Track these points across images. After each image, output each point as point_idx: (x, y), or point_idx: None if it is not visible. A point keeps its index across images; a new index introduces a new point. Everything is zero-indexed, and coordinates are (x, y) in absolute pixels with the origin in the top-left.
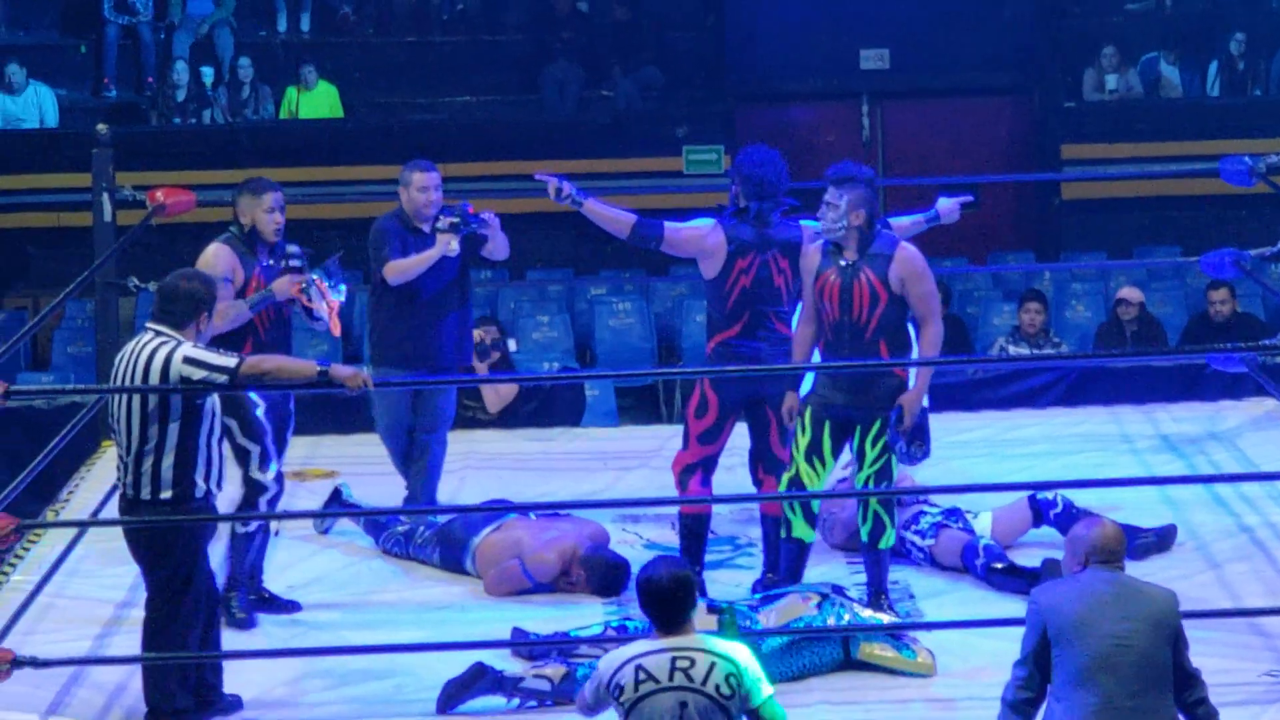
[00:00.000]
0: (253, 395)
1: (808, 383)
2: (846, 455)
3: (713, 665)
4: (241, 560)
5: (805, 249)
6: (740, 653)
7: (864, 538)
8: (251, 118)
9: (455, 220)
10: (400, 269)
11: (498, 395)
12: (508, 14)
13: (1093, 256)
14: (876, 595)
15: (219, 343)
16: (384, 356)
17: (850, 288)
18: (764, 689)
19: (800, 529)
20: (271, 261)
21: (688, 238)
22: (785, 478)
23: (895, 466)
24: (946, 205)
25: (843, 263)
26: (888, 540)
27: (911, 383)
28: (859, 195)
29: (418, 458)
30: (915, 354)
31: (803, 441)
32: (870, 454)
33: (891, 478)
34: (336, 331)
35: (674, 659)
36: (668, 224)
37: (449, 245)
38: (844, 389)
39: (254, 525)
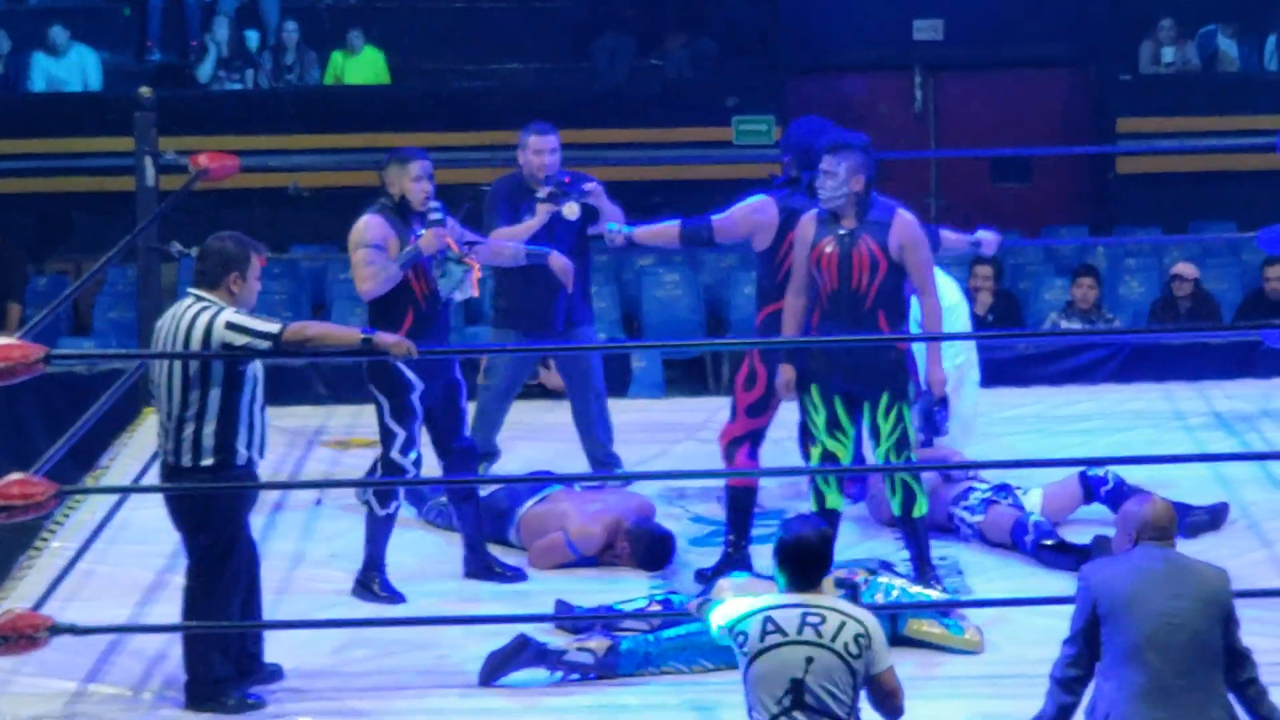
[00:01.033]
0: (409, 376)
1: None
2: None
3: (843, 624)
4: (380, 543)
5: (799, 220)
6: (869, 617)
7: (896, 510)
8: (296, 83)
9: (554, 190)
10: (503, 236)
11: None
12: None
13: (1147, 231)
14: (922, 567)
15: (381, 312)
16: (503, 319)
17: (849, 256)
18: (888, 657)
19: (834, 500)
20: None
21: (738, 220)
22: (814, 453)
23: (912, 432)
24: (988, 238)
25: (840, 231)
26: (921, 508)
27: (920, 359)
28: (856, 161)
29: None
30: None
31: (819, 419)
32: (885, 427)
33: (910, 445)
34: (475, 292)
35: (805, 614)
36: (714, 217)
37: (565, 210)
38: (844, 364)
39: (392, 507)
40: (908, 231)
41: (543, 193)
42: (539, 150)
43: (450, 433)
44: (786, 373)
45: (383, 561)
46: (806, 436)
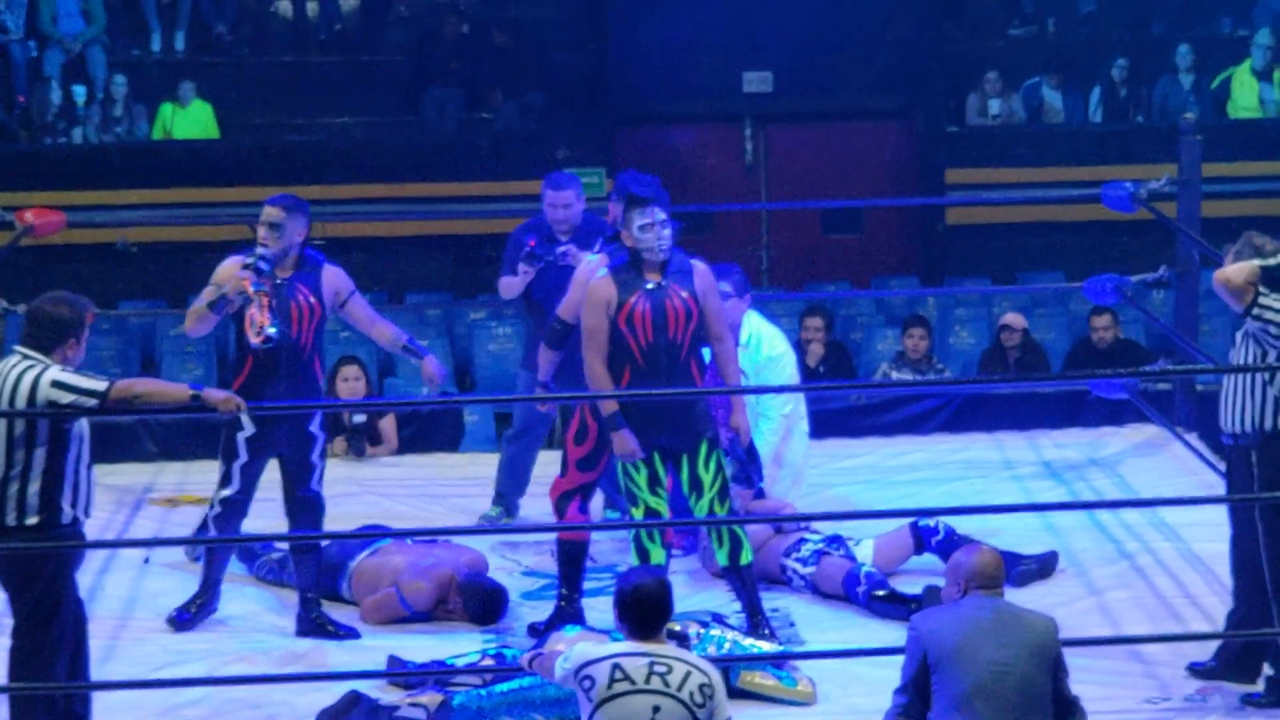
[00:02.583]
0: (242, 419)
1: None
2: None
3: (688, 674)
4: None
5: (589, 281)
6: (713, 668)
7: (724, 561)
8: (124, 137)
9: (529, 252)
10: (502, 287)
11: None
12: (387, 35)
13: (976, 281)
14: (755, 615)
15: (235, 358)
16: (525, 361)
17: (663, 308)
18: (728, 708)
19: (658, 555)
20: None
21: (576, 297)
22: (637, 513)
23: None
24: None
25: (648, 285)
26: (747, 555)
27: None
28: (667, 205)
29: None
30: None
31: (640, 478)
32: (707, 478)
33: (729, 494)
34: (254, 338)
35: (652, 663)
36: (559, 312)
37: (525, 272)
38: (663, 420)
39: (216, 510)
40: (709, 279)
41: (524, 254)
42: (553, 204)
43: (294, 482)
44: (627, 442)
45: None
46: (625, 496)
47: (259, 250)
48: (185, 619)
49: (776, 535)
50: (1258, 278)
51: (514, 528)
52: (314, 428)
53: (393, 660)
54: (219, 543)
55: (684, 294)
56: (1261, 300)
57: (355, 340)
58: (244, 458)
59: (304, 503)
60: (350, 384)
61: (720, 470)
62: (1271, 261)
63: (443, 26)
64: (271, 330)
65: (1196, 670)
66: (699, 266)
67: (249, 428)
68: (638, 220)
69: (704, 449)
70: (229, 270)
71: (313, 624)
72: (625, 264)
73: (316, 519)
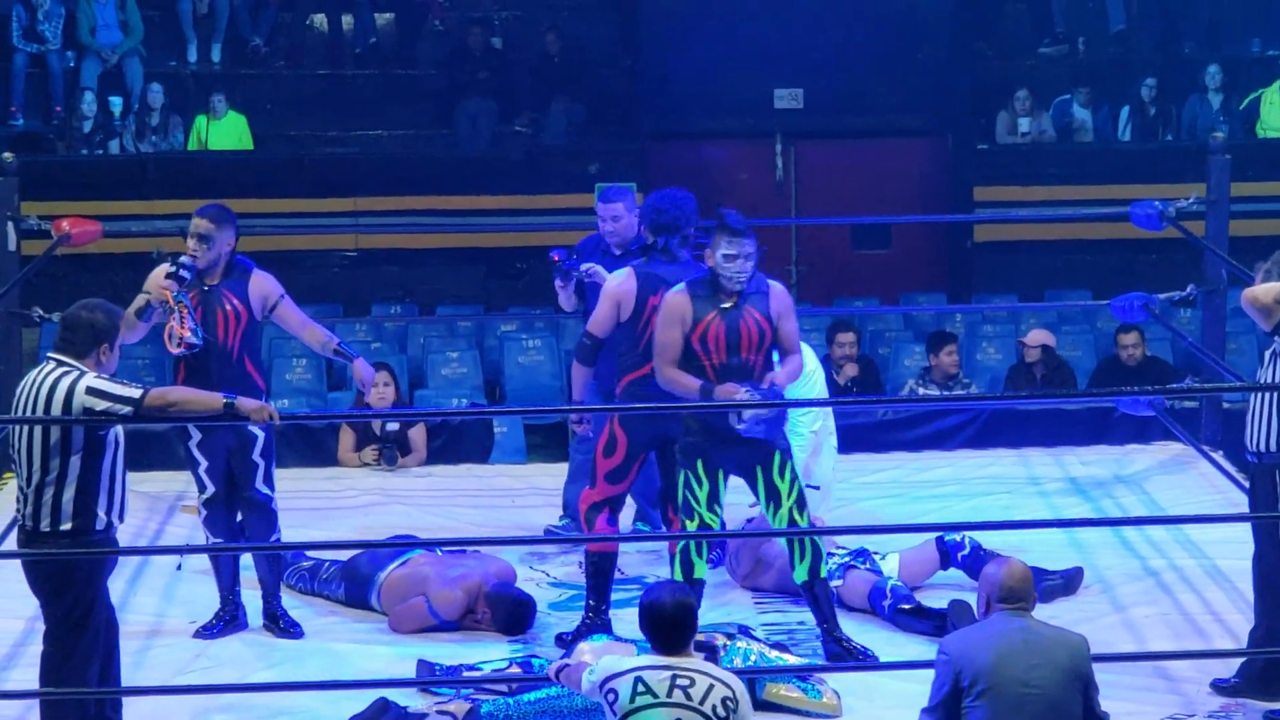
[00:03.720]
0: (188, 426)
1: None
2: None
3: (711, 687)
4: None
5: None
6: (736, 681)
7: (804, 576)
8: (160, 146)
9: (557, 268)
10: (560, 301)
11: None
12: (421, 48)
13: (1004, 299)
14: (832, 632)
15: (173, 364)
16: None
17: (737, 329)
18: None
19: (701, 570)
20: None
21: (606, 311)
22: (691, 526)
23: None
24: None
25: (724, 305)
26: (825, 569)
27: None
28: (754, 242)
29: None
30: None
31: (702, 493)
32: (784, 486)
33: (806, 505)
34: (171, 347)
35: (674, 676)
36: (588, 328)
37: (560, 286)
38: (735, 437)
39: (202, 514)
40: (785, 300)
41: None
42: (603, 217)
43: (239, 483)
44: (732, 391)
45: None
46: (681, 507)
47: (182, 259)
48: (210, 636)
49: None
50: None
51: (543, 539)
52: (252, 427)
53: (422, 664)
54: (248, 550)
55: (758, 315)
56: None
57: (386, 350)
58: (204, 462)
59: (249, 503)
60: (379, 390)
61: (796, 479)
62: None
63: (476, 41)
64: (193, 339)
65: (1220, 687)
66: (776, 287)
67: (195, 434)
68: (724, 248)
69: (777, 458)
70: (157, 277)
71: (271, 619)
72: (703, 281)
73: (267, 520)
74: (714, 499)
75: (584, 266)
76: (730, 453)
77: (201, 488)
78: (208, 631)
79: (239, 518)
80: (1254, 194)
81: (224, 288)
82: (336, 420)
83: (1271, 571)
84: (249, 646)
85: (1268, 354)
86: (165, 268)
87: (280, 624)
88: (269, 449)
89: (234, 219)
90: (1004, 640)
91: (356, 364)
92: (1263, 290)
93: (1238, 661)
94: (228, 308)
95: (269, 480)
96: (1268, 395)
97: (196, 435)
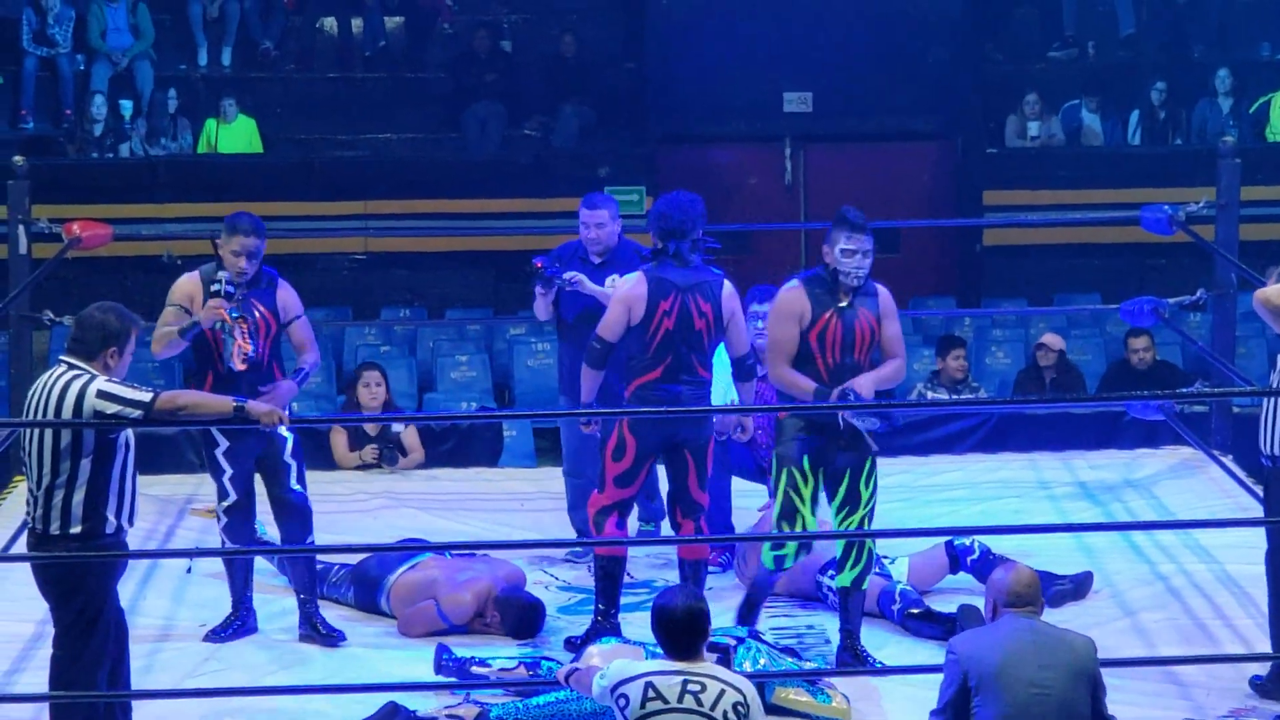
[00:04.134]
0: (214, 433)
1: None
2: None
3: (722, 692)
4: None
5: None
6: (748, 685)
7: (847, 582)
8: (171, 149)
9: (538, 275)
10: (535, 309)
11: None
12: (430, 52)
13: (1013, 303)
14: (851, 640)
15: (191, 373)
16: (563, 387)
17: (852, 329)
18: None
19: (792, 549)
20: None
21: (617, 316)
22: (788, 527)
23: None
24: None
25: (841, 304)
26: (868, 581)
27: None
28: (872, 239)
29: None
30: None
31: (806, 491)
32: (865, 493)
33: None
34: (238, 364)
35: (685, 682)
36: (598, 333)
37: (541, 293)
38: (838, 435)
39: (221, 522)
40: (890, 303)
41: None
42: (586, 223)
43: (272, 483)
44: (862, 387)
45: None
46: (781, 509)
47: (225, 276)
48: (221, 639)
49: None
50: None
51: (553, 542)
52: (281, 429)
53: (441, 648)
54: (258, 553)
55: (870, 315)
56: None
57: (395, 353)
58: (229, 470)
59: (284, 503)
60: (371, 389)
61: (876, 490)
62: None
63: (485, 44)
64: (253, 353)
65: (1256, 684)
66: (883, 290)
67: (223, 442)
68: (842, 242)
69: (868, 465)
70: (187, 289)
71: (310, 626)
72: (818, 278)
73: (303, 519)
74: (815, 501)
75: (567, 275)
76: (837, 452)
77: (223, 495)
78: (218, 635)
79: (256, 524)
80: (1264, 198)
81: (253, 297)
82: (346, 423)
83: None
84: (259, 650)
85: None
86: (193, 279)
87: (320, 630)
88: (299, 449)
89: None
90: (1013, 641)
91: (281, 386)
92: (1275, 291)
93: (1249, 667)
94: (257, 316)
95: (302, 479)
96: None
97: (224, 442)
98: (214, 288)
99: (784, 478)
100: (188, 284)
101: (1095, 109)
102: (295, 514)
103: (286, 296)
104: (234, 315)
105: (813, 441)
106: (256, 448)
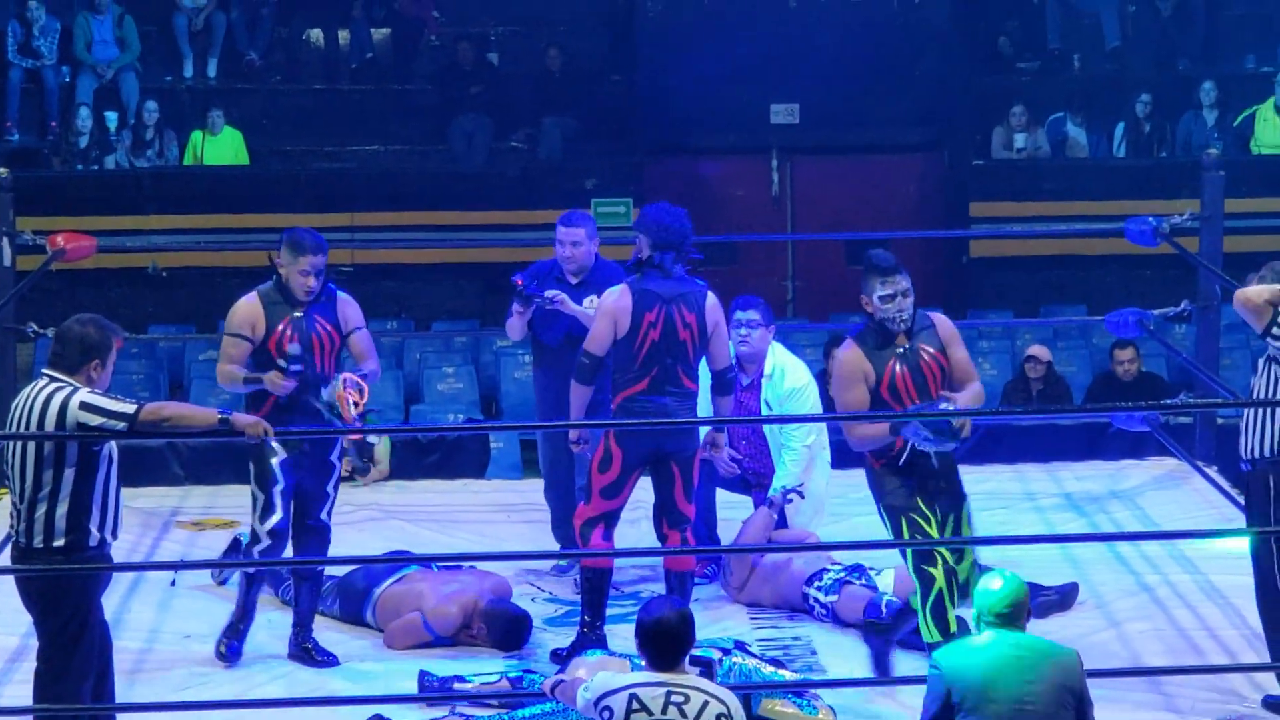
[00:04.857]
0: (272, 442)
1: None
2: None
3: (706, 704)
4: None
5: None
6: (731, 697)
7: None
8: (155, 162)
9: (519, 293)
10: (508, 328)
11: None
12: (417, 64)
13: (1000, 314)
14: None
15: (249, 395)
16: (540, 413)
17: (920, 370)
18: None
19: (953, 623)
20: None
21: (603, 329)
22: (938, 573)
23: None
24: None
25: (899, 349)
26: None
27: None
28: (908, 277)
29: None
30: None
31: (933, 531)
32: (966, 531)
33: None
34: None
35: (669, 693)
36: (585, 347)
37: (518, 312)
38: (933, 470)
39: (254, 569)
40: (947, 328)
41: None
42: (562, 241)
43: (306, 510)
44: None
45: (238, 621)
46: (915, 566)
47: (292, 352)
48: (236, 650)
49: (798, 564)
50: (1279, 298)
51: (539, 554)
52: (333, 456)
53: (424, 674)
54: (243, 566)
55: (933, 350)
56: None
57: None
58: (282, 482)
59: (313, 531)
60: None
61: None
62: None
63: (472, 56)
64: (365, 403)
65: (1269, 703)
66: (939, 318)
67: (281, 452)
68: (879, 290)
69: (967, 505)
70: (247, 315)
71: (299, 649)
72: (867, 331)
73: (324, 549)
74: (943, 531)
75: (548, 294)
76: (938, 491)
77: (269, 510)
78: (232, 650)
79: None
80: (1248, 210)
81: (314, 312)
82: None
83: (1267, 576)
84: (245, 664)
85: (1261, 361)
86: (247, 306)
87: (314, 655)
88: (339, 484)
89: None
90: (997, 656)
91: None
92: (1255, 291)
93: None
94: (320, 332)
95: (331, 512)
96: (1261, 394)
97: (282, 453)
98: (289, 366)
99: (906, 527)
100: (247, 309)
101: (1081, 121)
102: (320, 543)
103: (347, 309)
104: (344, 388)
105: (912, 483)
106: (308, 469)
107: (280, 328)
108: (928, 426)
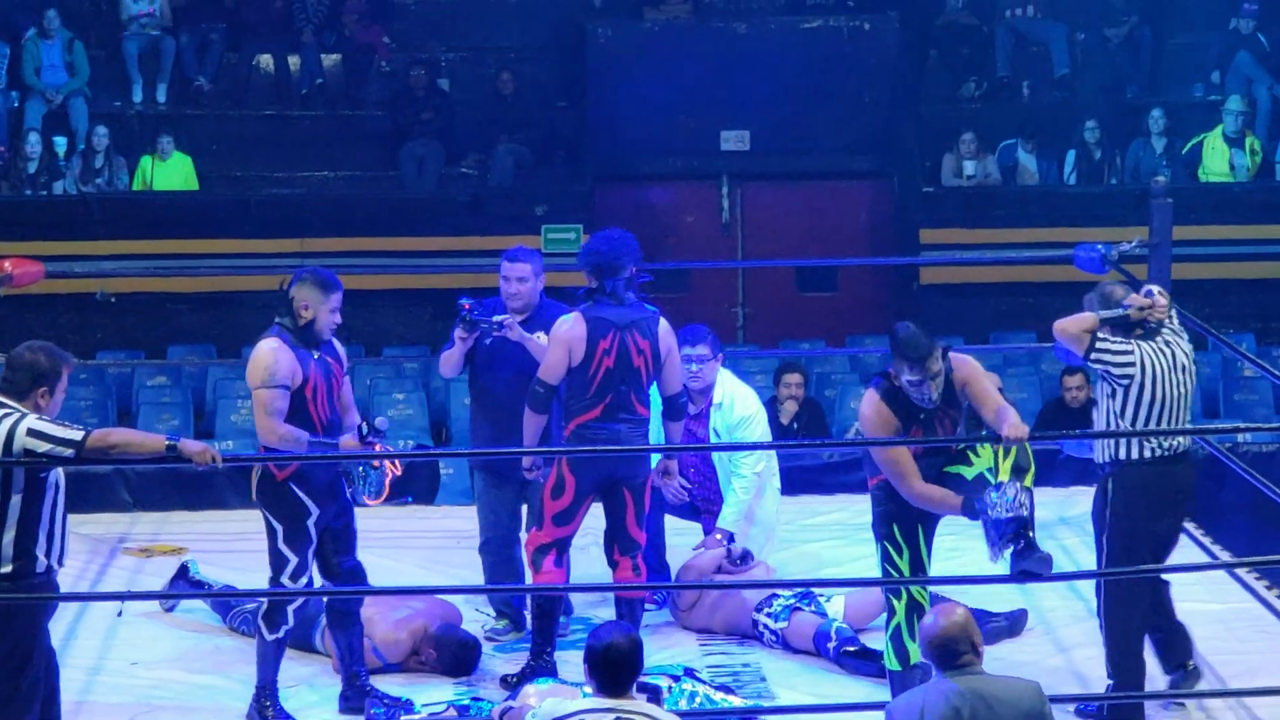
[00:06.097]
0: (307, 502)
1: None
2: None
3: None
4: (270, 668)
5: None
6: None
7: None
8: (105, 188)
9: (465, 320)
10: (441, 362)
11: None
12: (367, 90)
13: (950, 341)
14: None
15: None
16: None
17: (945, 427)
18: None
19: (916, 654)
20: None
21: (557, 358)
22: (900, 606)
23: None
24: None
25: (922, 415)
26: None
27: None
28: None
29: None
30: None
31: (903, 562)
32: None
33: None
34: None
35: (618, 719)
36: (539, 376)
37: (461, 338)
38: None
39: (282, 631)
40: (967, 369)
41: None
42: (506, 277)
43: (339, 552)
44: (951, 497)
45: (274, 687)
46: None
47: (381, 421)
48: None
49: (748, 590)
50: (1095, 327)
51: (486, 589)
52: (349, 494)
53: (371, 703)
54: (188, 597)
55: (954, 414)
56: (1099, 345)
57: None
58: (315, 541)
59: (353, 574)
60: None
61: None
62: (1109, 314)
63: (423, 82)
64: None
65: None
66: (955, 361)
67: (314, 510)
68: (907, 374)
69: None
70: (288, 360)
71: (361, 695)
72: (892, 391)
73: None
74: (918, 566)
75: (497, 318)
76: (932, 524)
77: (301, 571)
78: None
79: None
80: (1196, 237)
81: (323, 353)
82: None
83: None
84: (191, 692)
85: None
86: (286, 356)
87: (384, 701)
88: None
89: None
90: (957, 708)
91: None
92: (1071, 322)
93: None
94: (334, 371)
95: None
96: (1099, 412)
97: (315, 510)
98: (380, 428)
99: (880, 552)
100: (287, 357)
101: (1031, 149)
102: (357, 583)
103: (340, 352)
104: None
105: (894, 510)
106: (332, 517)
107: (310, 373)
108: (996, 535)
